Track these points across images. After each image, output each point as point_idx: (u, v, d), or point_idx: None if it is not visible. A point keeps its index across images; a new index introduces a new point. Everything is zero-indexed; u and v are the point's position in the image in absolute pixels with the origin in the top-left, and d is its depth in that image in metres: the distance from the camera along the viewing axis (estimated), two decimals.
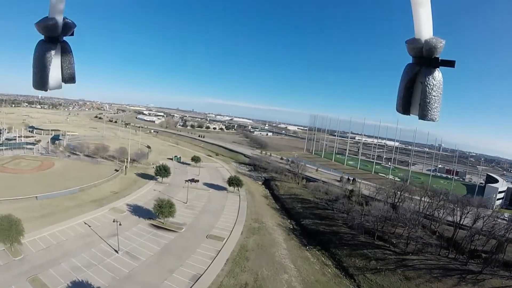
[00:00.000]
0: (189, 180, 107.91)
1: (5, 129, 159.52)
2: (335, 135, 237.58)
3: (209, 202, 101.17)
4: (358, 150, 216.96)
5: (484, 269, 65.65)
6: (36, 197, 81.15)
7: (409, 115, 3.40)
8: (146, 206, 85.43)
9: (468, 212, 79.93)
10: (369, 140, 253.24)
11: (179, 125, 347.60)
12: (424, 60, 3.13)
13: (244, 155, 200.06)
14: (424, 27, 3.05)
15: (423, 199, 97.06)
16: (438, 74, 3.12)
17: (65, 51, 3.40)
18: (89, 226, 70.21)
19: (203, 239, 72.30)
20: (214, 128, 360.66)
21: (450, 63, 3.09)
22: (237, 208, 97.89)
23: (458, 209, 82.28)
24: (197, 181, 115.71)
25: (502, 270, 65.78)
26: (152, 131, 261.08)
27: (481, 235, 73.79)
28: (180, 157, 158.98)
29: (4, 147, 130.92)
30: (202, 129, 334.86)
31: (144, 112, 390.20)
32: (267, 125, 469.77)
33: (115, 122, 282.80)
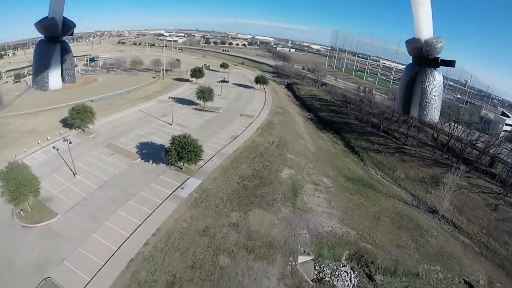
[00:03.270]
0: (220, 80, 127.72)
1: None
2: (357, 56, 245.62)
3: (239, 95, 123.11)
4: (378, 69, 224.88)
5: (471, 170, 77.69)
6: (91, 100, 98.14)
7: (409, 115, 3.57)
8: (187, 97, 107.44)
9: (468, 133, 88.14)
10: (391, 63, 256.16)
11: (202, 42, 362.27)
12: (424, 60, 3.25)
13: (268, 65, 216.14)
14: (424, 27, 3.17)
15: None
16: (438, 74, 3.23)
17: (65, 51, 3.58)
18: (143, 112, 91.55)
19: (237, 116, 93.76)
20: (237, 44, 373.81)
21: (450, 63, 3.21)
22: (263, 100, 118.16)
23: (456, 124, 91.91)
24: (227, 81, 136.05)
25: (488, 177, 76.70)
26: (177, 48, 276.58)
27: (474, 149, 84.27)
28: (209, 65, 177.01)
29: None
30: (225, 45, 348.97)
31: (165, 34, 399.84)
32: (289, 43, 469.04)
33: (139, 44, 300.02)
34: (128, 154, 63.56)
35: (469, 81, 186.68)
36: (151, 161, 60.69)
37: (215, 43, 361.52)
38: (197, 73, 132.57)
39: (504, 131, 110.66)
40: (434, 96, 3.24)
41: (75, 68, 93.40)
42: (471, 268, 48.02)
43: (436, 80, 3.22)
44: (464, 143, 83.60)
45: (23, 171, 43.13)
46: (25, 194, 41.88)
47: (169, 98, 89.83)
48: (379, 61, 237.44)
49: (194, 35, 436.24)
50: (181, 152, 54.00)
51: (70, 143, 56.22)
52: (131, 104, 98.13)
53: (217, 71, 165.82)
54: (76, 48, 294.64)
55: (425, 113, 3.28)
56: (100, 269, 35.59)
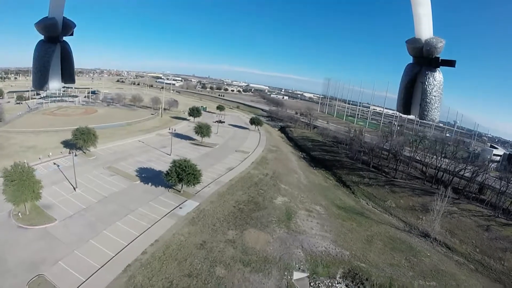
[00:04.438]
0: (217, 121, 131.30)
1: None
2: (347, 103, 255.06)
3: (235, 134, 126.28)
4: (369, 114, 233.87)
5: (460, 197, 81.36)
6: (93, 127, 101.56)
7: (410, 115, 3.60)
8: (185, 133, 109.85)
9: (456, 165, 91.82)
10: (381, 109, 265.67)
11: (199, 87, 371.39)
12: (424, 60, 3.24)
13: (262, 109, 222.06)
14: (424, 27, 3.16)
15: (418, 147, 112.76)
16: (438, 74, 3.22)
17: (65, 51, 3.55)
18: (143, 143, 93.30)
19: (233, 152, 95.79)
20: (232, 90, 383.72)
21: (450, 63, 3.19)
22: (258, 139, 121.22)
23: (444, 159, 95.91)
24: (224, 122, 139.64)
25: (478, 203, 79.72)
26: (175, 90, 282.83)
27: (461, 178, 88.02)
28: (205, 107, 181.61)
29: (49, 100, 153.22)
30: (220, 90, 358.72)
31: (162, 77, 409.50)
32: (283, 91, 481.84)
33: (138, 84, 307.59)
34: (127, 176, 64.54)
35: (458, 122, 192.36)
36: (150, 184, 61.72)
37: (211, 88, 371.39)
38: (194, 112, 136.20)
39: (492, 161, 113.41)
40: (435, 96, 3.24)
41: (76, 99, 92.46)
42: (468, 284, 48.85)
43: (436, 80, 3.23)
44: (452, 173, 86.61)
45: (27, 172, 44.07)
46: (26, 195, 42.58)
47: (169, 129, 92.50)
48: (369, 107, 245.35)
49: (191, 80, 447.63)
50: (181, 174, 55.50)
51: (76, 155, 57.40)
52: (131, 135, 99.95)
53: (214, 112, 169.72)
54: (77, 82, 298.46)
55: (426, 113, 3.28)
56: (96, 271, 35.68)
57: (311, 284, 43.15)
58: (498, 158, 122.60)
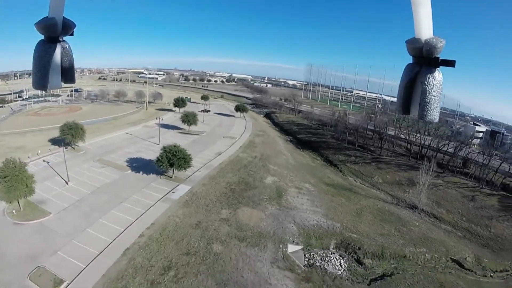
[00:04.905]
0: (202, 110, 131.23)
1: (27, 89, 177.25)
2: (330, 88, 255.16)
3: (221, 122, 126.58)
4: (352, 98, 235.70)
5: (445, 171, 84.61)
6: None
7: (409, 115, 3.55)
8: (172, 123, 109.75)
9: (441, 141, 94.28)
10: (363, 93, 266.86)
11: (181, 80, 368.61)
12: (424, 60, 3.22)
13: (247, 97, 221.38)
14: (424, 27, 3.13)
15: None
16: (438, 74, 3.19)
17: (65, 51, 3.52)
18: (130, 135, 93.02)
19: (221, 138, 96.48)
20: (215, 81, 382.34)
21: (450, 63, 3.17)
22: (244, 125, 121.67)
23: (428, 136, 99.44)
24: (209, 111, 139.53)
25: (462, 175, 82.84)
26: (158, 84, 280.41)
27: (445, 154, 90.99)
28: (190, 98, 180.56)
29: (31, 101, 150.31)
30: (204, 82, 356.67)
31: (144, 72, 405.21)
32: (266, 79, 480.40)
33: (120, 80, 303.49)
34: (118, 167, 64.64)
35: (441, 102, 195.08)
36: (141, 172, 61.99)
37: (194, 80, 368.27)
38: (180, 102, 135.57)
39: (475, 137, 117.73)
40: (434, 96, 3.21)
41: (59, 98, 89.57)
42: (457, 249, 50.88)
43: (436, 80, 3.19)
44: (435, 149, 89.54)
45: (19, 167, 43.89)
46: (20, 190, 42.40)
47: (157, 118, 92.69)
48: (352, 91, 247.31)
49: (173, 73, 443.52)
50: (172, 159, 56.00)
51: (66, 147, 57.18)
52: (118, 128, 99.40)
53: (198, 103, 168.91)
54: None
55: (425, 113, 3.26)
56: (96, 257, 36.16)
57: (306, 255, 44.36)
58: (480, 134, 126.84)
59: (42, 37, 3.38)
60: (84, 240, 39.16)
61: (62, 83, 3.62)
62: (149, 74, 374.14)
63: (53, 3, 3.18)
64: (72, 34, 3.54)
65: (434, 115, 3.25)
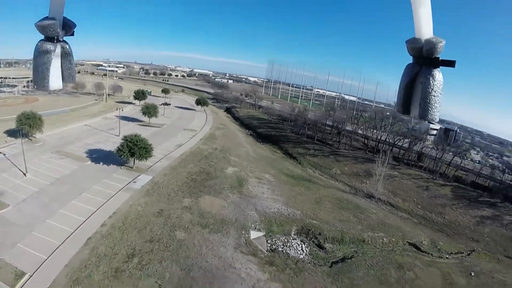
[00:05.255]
0: (162, 103, 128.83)
1: None
2: (291, 86, 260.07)
3: (182, 115, 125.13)
4: (312, 95, 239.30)
5: (400, 164, 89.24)
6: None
7: (409, 115, 3.46)
8: (132, 116, 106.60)
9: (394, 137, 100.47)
10: (323, 91, 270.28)
11: (142, 73, 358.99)
12: (424, 60, 3.17)
13: (207, 92, 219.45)
14: (424, 27, 3.09)
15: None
16: (438, 74, 3.14)
17: (65, 50, 3.48)
18: (90, 126, 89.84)
19: (181, 131, 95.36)
20: (176, 76, 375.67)
21: (450, 63, 3.11)
22: (205, 119, 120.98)
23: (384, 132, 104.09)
24: (169, 104, 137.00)
25: (416, 168, 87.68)
26: (117, 77, 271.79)
27: (401, 149, 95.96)
28: (150, 91, 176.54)
29: None
30: (164, 76, 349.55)
31: (104, 64, 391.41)
32: (227, 75, 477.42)
33: (78, 72, 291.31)
34: (78, 158, 62.23)
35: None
36: (101, 163, 60.11)
37: (154, 73, 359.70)
38: (140, 95, 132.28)
39: (429, 134, 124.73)
40: (434, 96, 3.14)
41: (15, 89, 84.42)
42: (413, 234, 53.88)
43: (436, 80, 3.13)
44: (391, 144, 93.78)
45: None
46: None
47: (117, 109, 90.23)
48: (312, 89, 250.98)
49: (133, 67, 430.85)
50: (133, 148, 54.80)
51: (24, 137, 54.54)
52: (76, 120, 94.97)
53: (159, 96, 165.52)
54: (14, 72, 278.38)
55: (425, 112, 3.19)
56: (57, 248, 34.75)
57: (268, 241, 45.14)
58: (434, 132, 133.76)
59: (42, 36, 3.33)
60: (45, 231, 37.51)
61: (63, 82, 3.62)
62: (109, 66, 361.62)
63: (53, 3, 3.16)
64: (72, 34, 3.54)
65: (434, 115, 3.22)
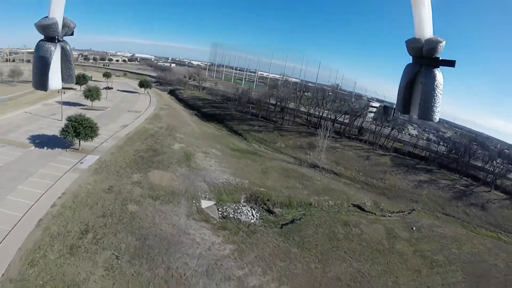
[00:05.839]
0: (105, 87, 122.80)
1: None
2: (234, 69, 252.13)
3: (125, 98, 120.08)
4: (255, 77, 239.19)
5: (342, 137, 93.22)
6: None
7: (409, 115, 3.40)
8: (74, 101, 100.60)
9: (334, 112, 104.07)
10: (267, 74, 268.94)
11: (81, 59, 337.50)
12: (424, 60, 3.05)
13: (150, 76, 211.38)
14: (424, 27, 2.99)
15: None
16: (438, 74, 3.00)
17: (65, 50, 3.31)
18: (30, 113, 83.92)
19: (125, 113, 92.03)
20: (117, 61, 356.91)
21: (450, 63, 2.99)
22: (149, 101, 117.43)
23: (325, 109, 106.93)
24: (112, 88, 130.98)
25: (357, 141, 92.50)
26: None
27: (342, 124, 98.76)
28: (91, 76, 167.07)
29: None
30: (105, 61, 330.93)
31: None
32: (170, 59, 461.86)
33: (13, 61, 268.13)
34: (20, 145, 58.01)
35: (340, 84, 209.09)
36: (46, 148, 56.66)
37: (94, 59, 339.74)
38: (81, 79, 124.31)
39: (371, 112, 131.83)
40: (434, 96, 3.03)
41: None
42: (356, 197, 57.66)
43: (436, 80, 3.02)
44: (332, 120, 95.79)
45: None
46: None
47: (58, 92, 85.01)
48: (255, 72, 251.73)
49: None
50: (78, 127, 52.40)
51: None
52: (15, 108, 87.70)
53: (100, 81, 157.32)
54: None
55: (425, 112, 3.09)
56: (8, 233, 32.94)
57: (219, 209, 46.13)
58: (374, 109, 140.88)
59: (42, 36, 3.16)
60: None
61: (62, 83, 3.40)
62: None
63: (53, 3, 3.04)
64: (72, 34, 3.37)
65: (434, 115, 3.08)
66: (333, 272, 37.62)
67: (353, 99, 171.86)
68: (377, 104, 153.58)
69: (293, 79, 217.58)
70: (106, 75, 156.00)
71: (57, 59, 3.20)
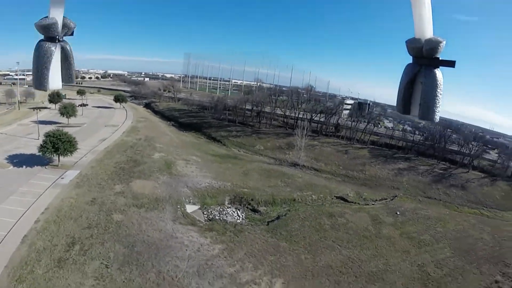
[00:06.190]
0: (80, 104, 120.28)
1: None
2: (208, 79, 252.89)
3: (101, 113, 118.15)
4: (230, 86, 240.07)
5: (320, 135, 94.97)
6: None
7: (409, 115, 3.32)
8: (49, 119, 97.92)
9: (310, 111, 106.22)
10: (241, 82, 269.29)
11: None
12: (424, 60, 3.01)
13: (124, 91, 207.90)
14: (424, 27, 2.94)
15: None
16: (438, 74, 2.97)
17: (65, 50, 3.27)
18: (6, 134, 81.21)
19: (103, 127, 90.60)
20: (90, 78, 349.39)
21: (450, 63, 2.95)
22: (125, 115, 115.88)
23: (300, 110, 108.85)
24: (87, 104, 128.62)
25: (335, 138, 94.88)
26: (28, 85, 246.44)
27: (318, 123, 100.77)
28: (65, 94, 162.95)
29: None
30: (77, 79, 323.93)
31: (10, 74, 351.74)
32: (143, 74, 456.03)
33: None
34: None
35: (314, 86, 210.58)
36: (24, 166, 55.09)
37: None
38: (55, 98, 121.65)
39: (346, 109, 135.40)
40: (434, 96, 2.98)
41: None
42: (339, 189, 59.09)
43: (436, 80, 2.98)
44: (308, 120, 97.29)
45: None
46: None
47: (34, 109, 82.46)
48: (229, 81, 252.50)
49: None
50: (57, 143, 51.41)
51: None
52: None
53: (75, 99, 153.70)
54: None
55: (426, 112, 3.03)
56: None
57: (204, 212, 46.31)
58: (349, 106, 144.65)
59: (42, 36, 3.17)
60: None
61: (62, 83, 3.40)
62: (16, 75, 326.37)
63: (53, 3, 3.02)
64: (72, 34, 3.36)
65: (434, 115, 3.04)
66: (323, 261, 38.48)
67: (327, 99, 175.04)
68: (351, 102, 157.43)
69: (267, 85, 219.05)
70: (80, 93, 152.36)
71: (57, 59, 3.22)
